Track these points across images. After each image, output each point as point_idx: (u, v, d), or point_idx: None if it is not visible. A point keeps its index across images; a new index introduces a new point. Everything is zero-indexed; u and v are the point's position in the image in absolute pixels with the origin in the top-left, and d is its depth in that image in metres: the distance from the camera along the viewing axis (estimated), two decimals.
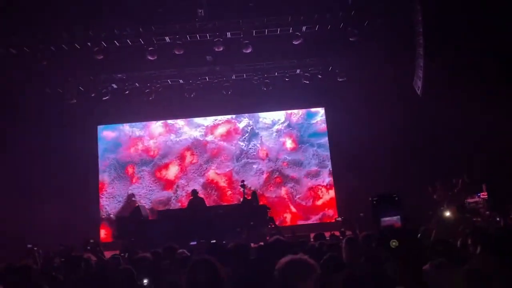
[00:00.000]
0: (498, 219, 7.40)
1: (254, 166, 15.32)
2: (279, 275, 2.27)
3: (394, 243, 1.10)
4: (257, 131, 15.65)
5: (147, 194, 15.13)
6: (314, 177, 15.22)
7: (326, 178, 15.21)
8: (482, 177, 10.82)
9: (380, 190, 11.84)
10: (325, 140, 15.48)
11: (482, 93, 10.18)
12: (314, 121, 15.73)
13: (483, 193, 10.47)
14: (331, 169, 15.21)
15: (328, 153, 15.33)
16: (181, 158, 15.46)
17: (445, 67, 10.28)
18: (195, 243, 6.06)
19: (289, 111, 15.75)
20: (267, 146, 15.49)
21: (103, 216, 14.75)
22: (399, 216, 1.02)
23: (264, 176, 15.21)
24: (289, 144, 15.54)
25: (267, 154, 15.42)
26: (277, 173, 15.22)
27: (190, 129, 15.71)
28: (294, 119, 15.79)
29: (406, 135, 13.13)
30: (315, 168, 15.32)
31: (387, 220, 1.02)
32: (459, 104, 10.74)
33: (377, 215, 1.02)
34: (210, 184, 15.19)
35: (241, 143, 15.54)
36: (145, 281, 3.72)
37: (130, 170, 15.34)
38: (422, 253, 1.01)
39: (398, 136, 13.19)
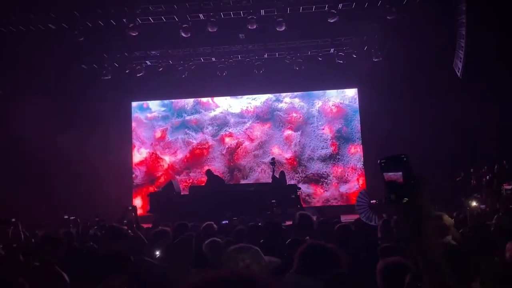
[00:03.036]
0: None
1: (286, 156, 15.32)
2: None
3: (405, 200, 1.13)
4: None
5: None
6: (343, 181, 15.09)
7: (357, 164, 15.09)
8: None
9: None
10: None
11: None
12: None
13: None
14: (362, 154, 15.03)
15: (361, 142, 15.14)
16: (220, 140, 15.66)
17: (486, 51, 9.88)
18: (226, 222, 6.14)
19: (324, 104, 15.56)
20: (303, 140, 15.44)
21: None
22: (401, 173, 1.04)
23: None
24: (323, 139, 15.37)
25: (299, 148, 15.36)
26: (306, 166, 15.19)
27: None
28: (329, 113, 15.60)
29: (442, 118, 12.77)
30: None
31: (390, 174, 1.04)
32: (500, 87, 10.34)
33: (391, 172, 1.04)
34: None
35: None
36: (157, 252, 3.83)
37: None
38: (423, 210, 1.07)
39: (433, 120, 12.84)
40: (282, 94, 15.70)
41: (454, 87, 11.51)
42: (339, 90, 15.59)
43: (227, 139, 15.59)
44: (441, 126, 12.83)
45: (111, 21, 12.02)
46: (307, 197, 14.61)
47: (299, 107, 15.62)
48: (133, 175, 15.45)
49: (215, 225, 6.01)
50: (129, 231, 6.18)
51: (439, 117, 12.82)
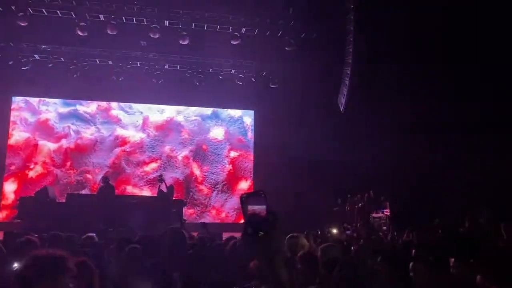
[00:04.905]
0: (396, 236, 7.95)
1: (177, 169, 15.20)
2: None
3: (261, 233, 1.25)
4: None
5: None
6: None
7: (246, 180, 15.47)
8: (388, 194, 11.65)
9: (296, 198, 12.46)
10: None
11: (400, 111, 11.01)
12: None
13: (386, 210, 11.27)
14: (251, 170, 15.47)
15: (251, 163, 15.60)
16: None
17: (369, 86, 10.97)
18: (93, 234, 5.88)
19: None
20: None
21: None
22: (264, 207, 1.17)
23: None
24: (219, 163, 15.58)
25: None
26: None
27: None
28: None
29: (325, 147, 13.71)
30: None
31: (255, 208, 1.16)
32: (378, 121, 11.49)
33: (250, 207, 1.15)
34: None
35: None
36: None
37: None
38: (276, 244, 1.23)
39: (318, 147, 13.73)
40: (187, 109, 15.51)
41: (337, 118, 12.46)
42: (239, 112, 15.89)
43: (118, 141, 14.91)
44: (323, 153, 13.75)
45: None
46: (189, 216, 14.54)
47: (203, 127, 15.56)
48: (8, 161, 14.01)
49: (96, 237, 5.75)
50: None
51: (323, 143, 13.74)
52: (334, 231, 5.54)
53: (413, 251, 4.85)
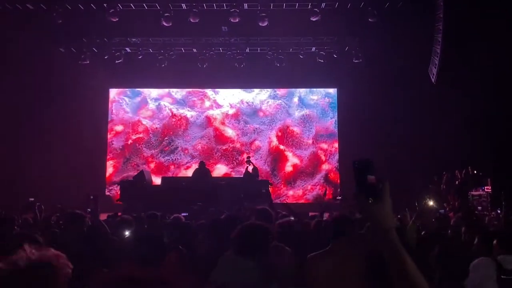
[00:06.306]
0: (499, 211, 7.32)
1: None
2: None
3: (371, 200, 1.30)
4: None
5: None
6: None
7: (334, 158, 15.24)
8: (489, 171, 10.70)
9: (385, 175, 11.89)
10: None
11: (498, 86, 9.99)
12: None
13: (487, 187, 10.37)
14: (337, 147, 15.21)
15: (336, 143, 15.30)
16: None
17: (462, 55, 10.05)
18: (186, 214, 6.19)
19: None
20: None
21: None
22: (374, 177, 1.24)
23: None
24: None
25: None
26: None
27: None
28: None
29: (417, 122, 12.96)
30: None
31: (372, 178, 1.23)
32: (472, 95, 10.55)
33: (363, 174, 1.19)
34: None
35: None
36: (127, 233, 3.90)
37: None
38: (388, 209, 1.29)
39: (409, 122, 13.03)
40: (271, 92, 15.73)
41: (428, 91, 11.68)
42: (322, 91, 15.68)
43: (207, 122, 15.61)
44: (415, 129, 13.00)
45: (91, 5, 11.81)
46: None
47: (287, 109, 15.65)
48: (109, 140, 15.41)
49: (183, 218, 6.04)
50: (90, 218, 6.15)
51: (414, 120, 12.99)
52: (431, 203, 5.34)
53: None
